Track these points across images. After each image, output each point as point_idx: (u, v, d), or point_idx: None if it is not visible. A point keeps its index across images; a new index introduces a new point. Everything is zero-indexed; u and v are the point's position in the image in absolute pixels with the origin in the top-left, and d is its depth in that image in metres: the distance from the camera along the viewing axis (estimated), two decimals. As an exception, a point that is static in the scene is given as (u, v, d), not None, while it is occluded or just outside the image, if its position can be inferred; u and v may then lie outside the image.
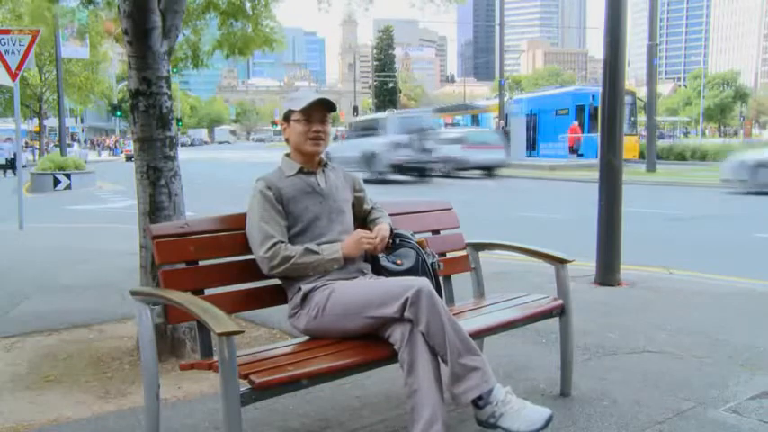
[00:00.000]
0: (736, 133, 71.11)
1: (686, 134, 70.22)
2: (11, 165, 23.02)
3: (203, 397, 2.92)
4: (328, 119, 2.56)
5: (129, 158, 35.23)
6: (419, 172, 18.28)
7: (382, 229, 2.56)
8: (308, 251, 2.39)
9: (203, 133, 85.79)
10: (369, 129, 19.75)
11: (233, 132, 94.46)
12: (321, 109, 2.52)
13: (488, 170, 20.36)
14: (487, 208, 11.82)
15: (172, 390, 2.99)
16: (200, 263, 2.39)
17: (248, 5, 6.22)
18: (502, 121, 28.78)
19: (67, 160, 19.02)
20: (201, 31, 6.41)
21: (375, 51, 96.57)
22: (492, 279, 3.51)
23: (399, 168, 17.81)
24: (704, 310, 4.37)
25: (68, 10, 6.11)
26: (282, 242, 2.39)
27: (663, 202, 12.65)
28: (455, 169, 19.91)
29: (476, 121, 36.06)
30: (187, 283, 2.31)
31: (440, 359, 2.19)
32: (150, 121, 3.33)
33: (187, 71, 6.89)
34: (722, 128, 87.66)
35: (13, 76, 9.03)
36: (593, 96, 24.97)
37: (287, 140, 2.58)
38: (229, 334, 1.87)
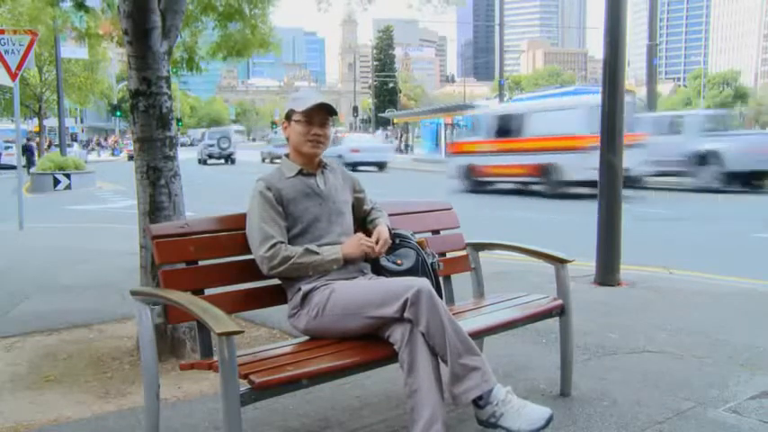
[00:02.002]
0: None
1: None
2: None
3: (203, 397, 2.92)
4: (329, 122, 2.56)
5: (131, 158, 35.36)
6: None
7: (382, 232, 2.57)
8: (308, 251, 2.40)
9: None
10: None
11: (239, 132, 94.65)
12: (322, 112, 2.52)
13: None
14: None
15: (172, 390, 2.99)
16: (200, 263, 2.39)
17: (246, 8, 6.23)
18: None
19: (67, 160, 19.01)
20: (199, 33, 6.40)
21: (375, 51, 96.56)
22: (492, 279, 3.51)
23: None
24: (704, 310, 4.37)
25: (63, 12, 6.10)
26: (282, 242, 2.39)
27: (663, 202, 12.65)
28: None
29: None
30: (187, 283, 2.31)
31: (440, 359, 2.19)
32: (150, 121, 3.33)
33: (181, 74, 6.88)
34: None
35: (13, 77, 9.03)
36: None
37: (287, 139, 2.59)
38: (229, 334, 1.87)
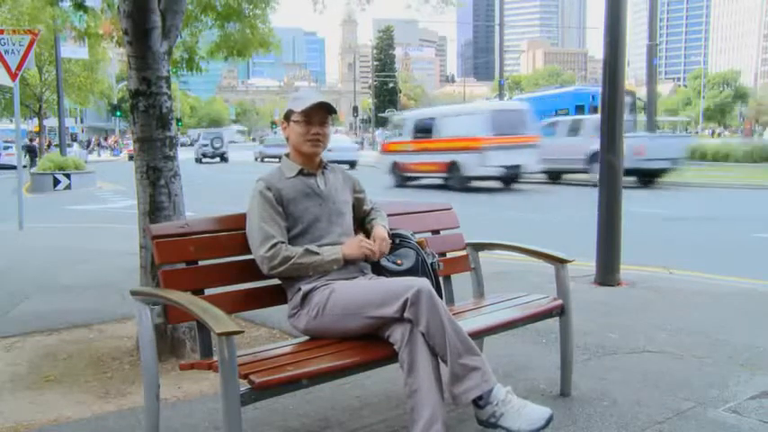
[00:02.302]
0: (718, 134, 71.39)
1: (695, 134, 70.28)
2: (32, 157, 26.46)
3: (203, 397, 2.92)
4: (328, 121, 2.56)
5: (131, 158, 35.59)
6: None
7: (379, 233, 2.57)
8: (309, 252, 2.39)
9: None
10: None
11: (241, 132, 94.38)
12: (321, 111, 2.52)
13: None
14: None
15: (172, 390, 2.99)
16: (200, 263, 2.39)
17: (246, 8, 6.23)
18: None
19: (67, 160, 19.02)
20: (199, 33, 6.41)
21: (375, 51, 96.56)
22: (492, 279, 3.51)
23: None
24: (704, 310, 4.37)
25: (63, 12, 6.10)
26: (283, 242, 2.39)
27: (663, 202, 12.65)
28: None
29: None
30: (187, 283, 2.31)
31: (440, 359, 2.19)
32: (150, 121, 3.33)
33: (181, 74, 6.89)
34: (723, 127, 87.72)
35: (13, 77, 9.03)
36: (593, 96, 24.93)
37: (287, 139, 2.59)
38: (229, 334, 1.87)
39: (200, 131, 45.45)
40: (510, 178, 15.50)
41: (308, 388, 2.06)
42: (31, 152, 27.44)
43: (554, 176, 17.52)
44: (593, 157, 15.00)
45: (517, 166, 14.84)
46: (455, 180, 15.21)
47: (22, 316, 4.43)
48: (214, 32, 6.53)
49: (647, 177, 15.86)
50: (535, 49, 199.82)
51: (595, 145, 15.63)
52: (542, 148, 15.69)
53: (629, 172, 15.46)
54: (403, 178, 17.20)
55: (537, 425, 2.14)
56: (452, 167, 15.21)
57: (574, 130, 17.15)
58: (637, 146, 14.89)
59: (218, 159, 35.61)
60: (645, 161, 15.03)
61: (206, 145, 36.04)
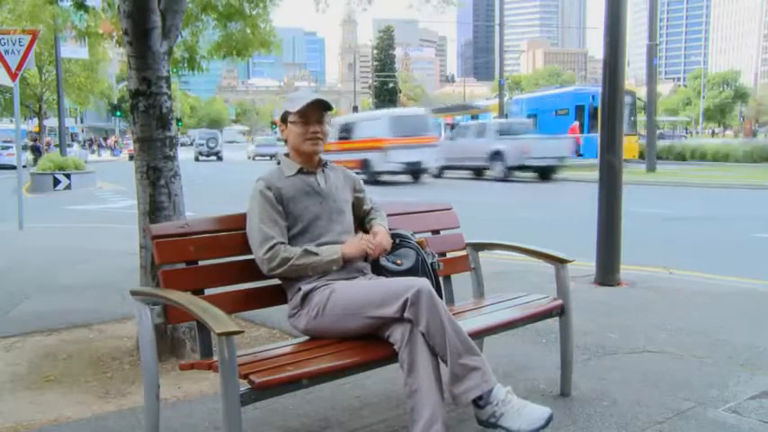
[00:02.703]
0: (716, 133, 71.71)
1: (692, 133, 70.32)
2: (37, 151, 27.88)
3: (203, 397, 2.92)
4: (325, 118, 2.56)
5: (132, 158, 36.31)
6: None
7: (379, 231, 2.57)
8: (307, 252, 2.39)
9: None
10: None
11: (243, 132, 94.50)
12: (318, 109, 2.52)
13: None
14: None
15: (172, 390, 2.99)
16: (200, 263, 2.39)
17: (246, 7, 6.22)
18: (501, 121, 28.82)
19: (67, 160, 19.02)
20: (199, 33, 6.41)
21: (375, 51, 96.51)
22: (492, 279, 3.51)
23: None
24: (704, 310, 4.37)
25: (64, 11, 6.11)
26: (282, 243, 2.39)
27: (663, 202, 12.65)
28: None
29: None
30: (187, 283, 2.31)
31: (440, 359, 2.19)
32: (150, 121, 3.33)
33: (182, 74, 6.91)
34: (722, 127, 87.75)
35: (13, 77, 9.02)
36: (593, 96, 24.95)
37: (285, 141, 2.59)
38: (229, 334, 1.87)
39: (198, 132, 50.82)
40: (413, 173, 18.46)
41: (307, 388, 2.06)
42: (36, 151, 27.91)
43: (542, 174, 19.29)
44: (493, 156, 18.92)
45: (418, 163, 17.88)
46: (367, 175, 17.78)
47: (22, 316, 4.43)
48: (215, 32, 6.53)
49: (541, 173, 18.90)
50: (535, 49, 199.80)
51: (495, 146, 18.55)
52: (455, 147, 20.24)
53: (521, 168, 18.74)
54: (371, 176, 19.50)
55: (537, 425, 2.14)
56: (365, 164, 18.08)
57: (480, 133, 20.48)
58: (523, 146, 18.17)
59: (213, 158, 39.93)
60: (533, 159, 18.12)
61: (202, 144, 40.53)
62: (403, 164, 17.50)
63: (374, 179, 17.79)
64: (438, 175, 20.35)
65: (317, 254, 2.40)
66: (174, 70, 6.40)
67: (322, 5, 6.94)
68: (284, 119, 2.56)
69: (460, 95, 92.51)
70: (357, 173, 18.00)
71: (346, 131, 19.72)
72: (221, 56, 6.61)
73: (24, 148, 36.04)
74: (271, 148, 38.72)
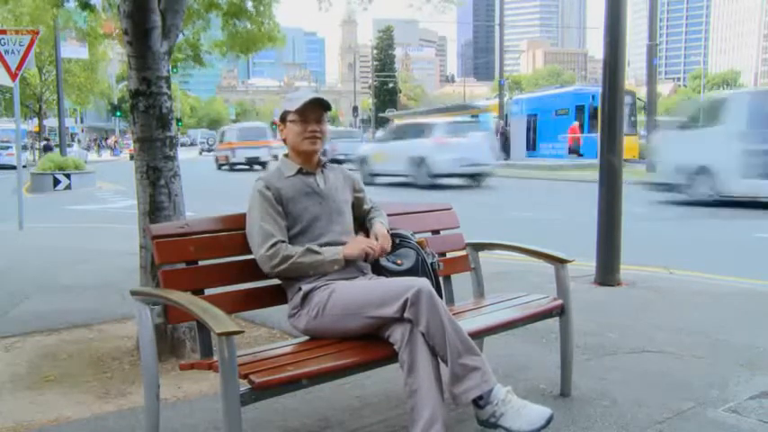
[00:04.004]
0: None
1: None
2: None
3: (203, 397, 2.92)
4: (324, 117, 2.56)
5: (132, 157, 37.12)
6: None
7: (380, 231, 2.57)
8: (309, 251, 2.39)
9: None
10: None
11: None
12: (316, 108, 2.52)
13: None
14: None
15: (172, 390, 2.99)
16: (200, 263, 2.39)
17: (250, 5, 6.26)
18: (502, 122, 28.78)
19: (67, 160, 19.01)
20: (201, 31, 6.43)
21: (375, 51, 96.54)
22: (492, 279, 3.51)
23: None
24: (704, 310, 4.37)
25: (67, 12, 6.13)
26: (283, 241, 2.39)
27: (663, 201, 12.63)
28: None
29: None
30: (187, 283, 2.31)
31: (440, 359, 2.19)
32: (150, 121, 3.33)
33: (186, 71, 6.96)
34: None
35: (13, 77, 9.02)
36: (593, 96, 24.96)
37: (284, 141, 2.59)
38: (229, 334, 1.87)
39: (199, 131, 58.57)
40: (251, 163, 26.15)
41: (307, 388, 2.06)
42: (49, 151, 27.92)
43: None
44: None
45: (256, 158, 26.03)
46: (228, 165, 27.02)
47: (22, 316, 4.43)
48: (221, 31, 6.57)
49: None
50: (535, 49, 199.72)
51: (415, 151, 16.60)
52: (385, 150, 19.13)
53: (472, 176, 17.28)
54: (230, 166, 27.32)
55: (537, 425, 2.14)
56: (227, 158, 27.19)
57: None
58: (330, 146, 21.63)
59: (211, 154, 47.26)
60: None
61: (203, 143, 53.21)
62: (245, 158, 26.42)
63: (232, 168, 26.78)
64: (369, 183, 17.31)
65: (319, 253, 2.40)
66: (176, 70, 6.42)
67: (325, 4, 6.96)
68: (283, 119, 2.56)
69: (460, 95, 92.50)
70: (222, 164, 28.09)
71: (221, 136, 29.70)
72: (230, 53, 6.66)
73: (25, 147, 36.25)
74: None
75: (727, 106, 11.17)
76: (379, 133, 31.18)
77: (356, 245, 2.47)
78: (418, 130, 17.36)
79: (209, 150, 45.75)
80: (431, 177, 15.91)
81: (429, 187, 15.72)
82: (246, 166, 26.56)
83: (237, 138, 27.06)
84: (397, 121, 32.94)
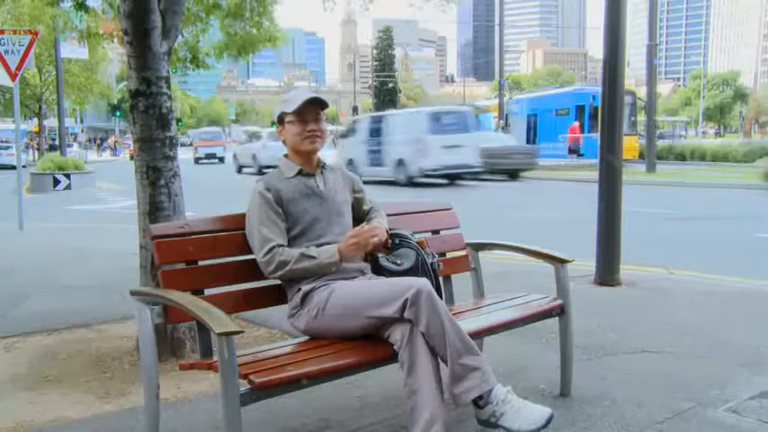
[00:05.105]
0: (704, 132, 71.83)
1: (696, 133, 70.17)
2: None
3: (203, 397, 2.92)
4: (322, 116, 2.55)
5: (132, 157, 37.76)
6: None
7: (377, 226, 2.56)
8: (305, 256, 2.37)
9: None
10: None
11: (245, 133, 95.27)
12: (313, 107, 2.51)
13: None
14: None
15: (172, 390, 2.99)
16: (200, 263, 2.39)
17: (248, 7, 6.26)
18: (502, 121, 28.79)
19: (67, 160, 19.03)
20: (201, 32, 6.43)
21: (375, 51, 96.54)
22: (492, 279, 3.51)
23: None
24: (704, 310, 4.37)
25: (64, 12, 6.13)
26: (281, 245, 2.38)
27: (663, 202, 12.65)
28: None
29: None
30: (187, 283, 2.31)
31: (440, 359, 2.19)
32: (150, 121, 3.33)
33: (185, 72, 6.96)
34: (722, 127, 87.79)
35: (13, 77, 9.02)
36: (593, 96, 24.98)
37: (284, 142, 2.58)
38: (229, 334, 1.87)
39: (200, 131, 58.61)
40: (209, 157, 33.97)
41: (307, 388, 2.06)
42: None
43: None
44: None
45: (213, 154, 34.07)
46: (195, 160, 33.37)
47: (22, 316, 4.43)
48: (219, 32, 6.57)
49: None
50: (535, 49, 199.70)
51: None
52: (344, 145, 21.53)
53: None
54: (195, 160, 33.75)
55: (537, 425, 2.14)
56: (197, 156, 34.23)
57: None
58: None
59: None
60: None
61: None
62: (204, 154, 34.09)
63: (198, 163, 33.17)
64: None
65: (314, 257, 2.38)
66: (175, 70, 6.42)
67: (329, 4, 6.95)
68: (281, 120, 2.55)
69: (460, 95, 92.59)
70: (197, 158, 35.73)
71: (192, 139, 36.42)
72: (228, 56, 6.66)
73: (27, 147, 36.27)
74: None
75: (358, 124, 19.97)
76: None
77: (350, 237, 2.44)
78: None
79: None
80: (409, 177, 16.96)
81: (425, 185, 16.73)
82: (207, 160, 34.68)
83: (200, 139, 36.54)
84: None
